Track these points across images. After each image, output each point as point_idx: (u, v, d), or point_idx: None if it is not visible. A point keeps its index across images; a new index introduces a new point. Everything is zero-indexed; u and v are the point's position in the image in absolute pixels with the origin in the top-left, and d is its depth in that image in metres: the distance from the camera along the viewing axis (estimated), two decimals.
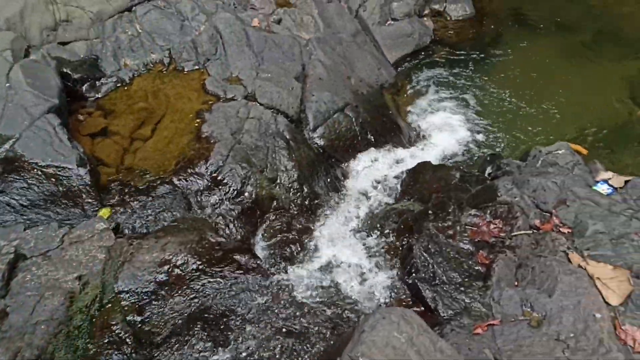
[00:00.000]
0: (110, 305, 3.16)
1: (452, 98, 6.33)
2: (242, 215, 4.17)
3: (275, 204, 4.38)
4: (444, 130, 5.90)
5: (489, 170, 5.13)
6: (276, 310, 3.25)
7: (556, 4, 7.65)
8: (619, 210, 4.08)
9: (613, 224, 3.93)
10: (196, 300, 3.25)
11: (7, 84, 4.39)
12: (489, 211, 4.07)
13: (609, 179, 4.61)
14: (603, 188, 4.47)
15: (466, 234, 3.88)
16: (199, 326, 3.11)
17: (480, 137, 5.83)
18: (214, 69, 5.23)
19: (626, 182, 4.56)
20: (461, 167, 5.13)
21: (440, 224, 3.90)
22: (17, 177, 3.91)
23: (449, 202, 4.12)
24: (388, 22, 7.11)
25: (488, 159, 5.35)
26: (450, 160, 5.48)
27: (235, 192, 4.26)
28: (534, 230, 3.97)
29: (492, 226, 3.96)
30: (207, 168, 4.29)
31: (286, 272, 3.79)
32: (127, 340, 2.97)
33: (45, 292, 3.11)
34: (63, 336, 2.95)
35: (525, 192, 4.25)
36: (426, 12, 7.50)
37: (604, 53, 6.91)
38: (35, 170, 3.97)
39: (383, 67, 6.47)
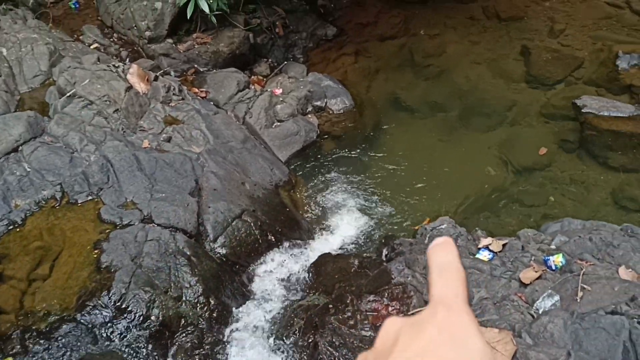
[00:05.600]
0: None
1: (344, 187, 6.74)
2: (150, 340, 4.20)
3: (183, 321, 4.45)
4: (341, 220, 6.25)
5: (385, 252, 5.49)
6: None
7: (427, 87, 8.41)
8: (499, 273, 4.48)
9: (495, 288, 4.31)
10: None
11: None
12: (386, 294, 4.37)
13: (489, 244, 5.07)
14: (484, 254, 4.89)
15: (367, 321, 4.13)
16: None
17: (375, 220, 6.21)
18: (108, 197, 5.35)
19: (504, 245, 5.03)
20: (359, 254, 5.45)
21: (341, 316, 4.13)
22: None
23: (346, 294, 4.38)
24: (274, 124, 7.55)
25: (383, 241, 5.73)
26: (350, 248, 5.79)
27: (142, 317, 4.31)
28: None
29: (390, 308, 4.24)
30: (109, 298, 4.33)
31: None
32: None
33: None
34: None
35: (417, 270, 4.60)
36: (309, 109, 8.03)
37: (473, 125, 7.66)
38: None
39: (276, 167, 6.83)
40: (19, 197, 5.38)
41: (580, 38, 8.50)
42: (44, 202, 5.37)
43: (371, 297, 4.32)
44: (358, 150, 7.32)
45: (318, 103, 8.07)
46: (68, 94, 6.61)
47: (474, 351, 0.63)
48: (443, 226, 5.20)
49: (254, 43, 8.66)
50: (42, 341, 4.04)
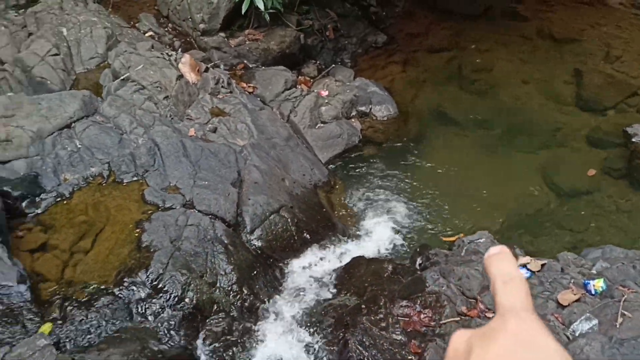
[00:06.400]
0: None
1: (382, 193, 6.74)
2: (183, 321, 4.28)
3: (216, 307, 4.52)
4: (376, 225, 6.26)
5: (419, 261, 5.48)
6: None
7: (472, 102, 8.36)
8: (536, 293, 4.43)
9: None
10: None
11: None
12: (419, 301, 4.36)
13: (527, 263, 5.01)
14: (522, 272, 4.84)
15: (398, 325, 4.13)
16: None
17: (410, 229, 6.21)
18: (153, 180, 5.47)
19: (542, 265, 4.97)
20: (393, 260, 5.45)
21: (373, 317, 4.14)
22: None
23: (380, 296, 4.39)
24: (318, 125, 7.61)
25: (418, 250, 5.71)
26: (383, 253, 5.79)
27: (176, 298, 4.39)
28: (462, 317, 4.27)
29: (422, 316, 4.23)
30: (147, 277, 4.43)
31: None
32: None
33: None
34: None
35: (452, 280, 4.58)
36: (353, 113, 8.08)
37: (517, 144, 7.59)
38: None
39: (316, 168, 6.88)
40: (69, 171, 5.54)
41: (636, 66, 8.35)
42: (91, 179, 5.52)
43: (404, 303, 4.32)
44: (399, 158, 7.32)
45: (363, 108, 8.10)
46: (122, 78, 6.78)
47: (551, 353, 0.64)
48: (481, 240, 5.16)
49: (304, 44, 8.75)
50: (80, 311, 4.15)
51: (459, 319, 4.20)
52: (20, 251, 4.74)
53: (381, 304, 4.29)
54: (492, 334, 0.67)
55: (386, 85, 8.61)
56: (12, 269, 4.24)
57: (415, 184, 6.84)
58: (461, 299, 4.36)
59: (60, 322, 4.07)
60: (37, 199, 5.29)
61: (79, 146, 5.80)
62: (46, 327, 3.97)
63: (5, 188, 5.13)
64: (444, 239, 5.89)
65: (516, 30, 9.57)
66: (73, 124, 6.00)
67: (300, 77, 8.46)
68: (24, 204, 5.21)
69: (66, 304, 4.24)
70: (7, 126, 5.63)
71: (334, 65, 8.88)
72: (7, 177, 5.29)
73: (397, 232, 6.15)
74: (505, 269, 0.74)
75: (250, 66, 8.37)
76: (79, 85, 7.07)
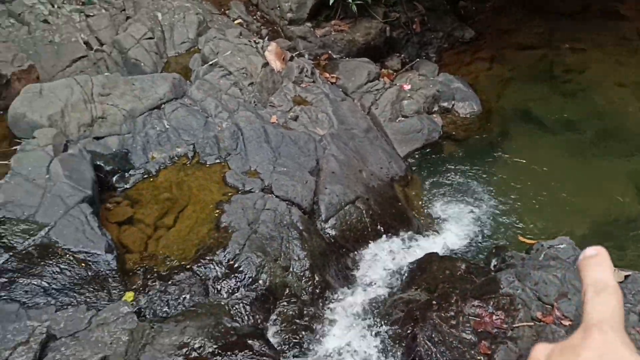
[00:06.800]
0: None
1: (460, 191, 6.63)
2: (256, 302, 4.40)
3: (287, 291, 4.62)
4: (451, 222, 6.17)
5: (494, 262, 5.35)
6: None
7: (562, 103, 8.05)
8: None
9: None
10: None
11: (47, 176, 4.81)
12: (491, 302, 4.27)
13: None
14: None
15: (469, 324, 4.07)
16: None
17: (486, 229, 6.07)
18: (234, 163, 5.63)
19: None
20: (467, 259, 5.35)
21: (443, 314, 4.10)
22: (51, 262, 4.23)
23: (452, 293, 4.33)
24: (399, 119, 7.57)
25: (493, 251, 5.57)
26: (456, 252, 5.70)
27: (251, 279, 4.52)
28: (536, 322, 4.14)
29: (494, 317, 4.14)
30: (224, 256, 4.58)
31: (297, 357, 3.99)
32: None
33: None
34: None
35: (527, 284, 4.45)
36: (435, 109, 7.97)
37: (608, 150, 7.23)
38: (67, 255, 4.30)
39: (394, 161, 6.85)
40: (156, 150, 5.80)
41: None
42: (177, 158, 5.76)
43: (476, 302, 4.24)
44: (479, 157, 7.16)
45: (445, 104, 7.98)
46: (210, 63, 7.01)
47: None
48: (562, 246, 4.98)
49: (389, 36, 8.71)
50: (160, 283, 4.36)
51: (532, 324, 4.08)
52: (109, 223, 5.02)
53: (452, 301, 4.23)
54: (574, 349, 0.64)
55: (471, 81, 8.43)
56: (102, 238, 4.50)
57: (495, 183, 6.68)
58: (536, 304, 4.23)
59: (141, 292, 4.28)
60: (126, 175, 5.58)
61: (167, 127, 6.06)
62: (129, 296, 4.19)
63: (98, 162, 5.43)
64: (522, 239, 5.73)
65: (615, 30, 9.10)
66: (163, 105, 6.26)
67: (383, 69, 8.43)
68: (114, 179, 5.51)
69: (148, 275, 4.46)
70: (103, 104, 5.96)
71: (418, 59, 8.80)
72: (100, 152, 5.61)
73: (472, 231, 6.04)
74: (600, 276, 0.69)
75: (335, 57, 8.43)
76: (170, 69, 7.37)
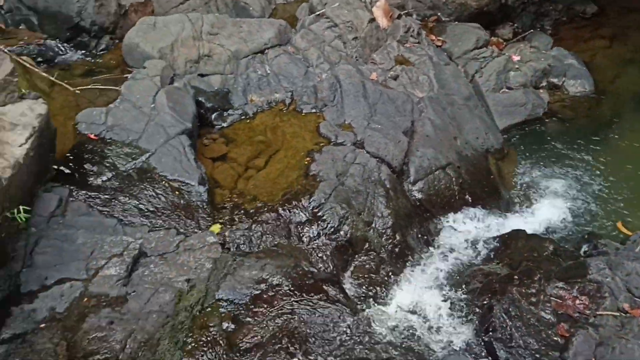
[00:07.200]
0: (210, 309, 3.55)
1: (558, 172, 6.32)
2: (335, 251, 4.47)
3: (367, 246, 4.64)
4: (544, 203, 5.92)
5: (584, 248, 5.12)
6: (354, 341, 3.49)
7: None
8: None
9: None
10: (284, 319, 3.57)
11: (152, 105, 5.06)
12: (576, 287, 4.10)
13: None
14: None
15: (549, 304, 3.94)
16: (282, 343, 3.41)
17: (581, 214, 5.76)
18: (330, 115, 5.66)
19: None
20: (555, 240, 5.14)
21: (524, 290, 3.99)
22: (148, 186, 4.48)
23: (536, 271, 4.20)
24: (502, 90, 7.27)
25: (586, 237, 5.33)
26: (544, 233, 5.48)
27: (332, 229, 4.58)
28: (622, 313, 3.95)
29: (577, 302, 3.99)
30: (310, 203, 4.65)
31: (369, 308, 4.03)
32: (221, 342, 3.33)
33: (159, 287, 3.56)
34: (169, 327, 3.37)
35: (618, 274, 4.23)
36: (543, 84, 7.59)
37: None
38: (163, 182, 4.53)
39: (491, 133, 6.63)
40: (256, 93, 5.93)
41: None
42: (274, 104, 5.86)
43: (560, 284, 4.09)
44: (585, 139, 6.76)
45: (554, 80, 7.58)
46: (317, 13, 7.00)
47: None
48: None
49: (504, 3, 8.30)
50: (246, 219, 4.51)
51: (618, 314, 3.90)
52: (204, 157, 5.23)
53: (535, 279, 4.10)
54: None
55: (586, 59, 7.93)
56: (196, 171, 4.70)
57: (599, 168, 6.29)
58: (625, 295, 4.02)
59: (227, 225, 4.45)
60: (225, 114, 5.75)
61: (268, 72, 6.15)
62: (216, 227, 4.37)
63: (200, 98, 5.63)
64: (621, 227, 5.42)
65: None
66: (266, 50, 6.36)
67: (493, 37, 8.08)
68: (213, 116, 5.69)
69: (235, 211, 4.62)
70: (210, 43, 6.13)
71: (532, 31, 8.36)
72: (203, 88, 5.80)
73: (565, 214, 5.76)
74: None
75: (443, 19, 8.16)
76: (277, 15, 7.45)
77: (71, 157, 4.57)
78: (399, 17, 7.38)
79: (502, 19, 8.42)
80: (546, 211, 5.77)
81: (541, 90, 7.49)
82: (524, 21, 8.56)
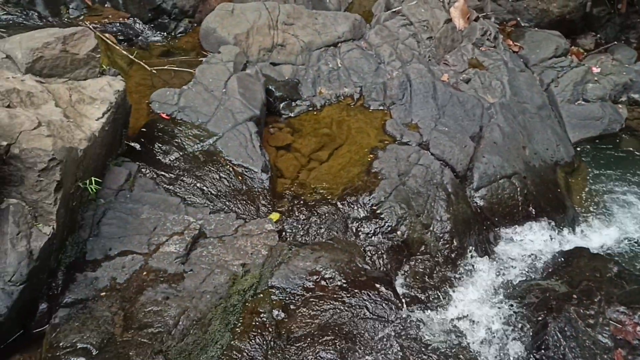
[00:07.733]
0: (262, 295, 3.60)
1: (631, 191, 6.06)
2: (390, 251, 4.44)
3: (423, 248, 4.59)
4: (612, 222, 5.70)
5: None
6: (401, 343, 3.47)
7: None
8: None
9: None
10: (333, 312, 3.58)
11: (224, 90, 5.16)
12: (639, 313, 3.92)
13: None
14: None
15: (608, 328, 3.79)
16: (329, 336, 3.43)
17: None
18: (397, 113, 5.62)
19: None
20: (620, 263, 4.93)
21: (582, 310, 3.85)
22: (212, 169, 4.58)
23: (597, 292, 4.04)
24: (578, 102, 7.03)
25: None
26: (609, 253, 5.27)
27: (390, 228, 4.55)
28: None
29: (638, 328, 3.82)
30: (369, 200, 4.64)
31: (420, 312, 3.99)
32: (270, 329, 3.37)
33: (215, 268, 3.65)
34: (221, 309, 3.45)
35: None
36: (623, 99, 7.29)
37: None
38: (227, 166, 4.62)
39: (562, 145, 6.42)
40: (325, 86, 5.95)
41: None
42: (342, 98, 5.87)
43: (621, 309, 3.92)
44: None
45: (635, 96, 7.27)
46: (393, 10, 6.95)
47: None
48: None
49: (588, 12, 8.02)
50: (304, 210, 4.54)
51: None
52: (269, 145, 5.29)
53: (595, 300, 3.95)
54: None
55: None
56: (260, 158, 4.77)
57: None
58: None
59: (286, 215, 4.50)
60: (293, 104, 5.80)
61: (339, 65, 6.17)
62: (275, 216, 4.43)
63: (270, 87, 5.70)
64: None
65: None
66: (339, 44, 6.37)
67: (573, 47, 7.82)
68: (281, 105, 5.75)
69: (295, 201, 4.66)
70: (285, 32, 6.19)
71: (615, 43, 8.03)
72: (274, 77, 5.87)
73: (634, 237, 5.52)
74: None
75: (522, 25, 7.96)
76: (353, 9, 7.43)
77: (143, 134, 4.72)
78: (477, 19, 7.24)
79: (584, 28, 8.13)
80: (614, 231, 5.55)
81: (620, 106, 7.18)
82: (607, 32, 8.23)
